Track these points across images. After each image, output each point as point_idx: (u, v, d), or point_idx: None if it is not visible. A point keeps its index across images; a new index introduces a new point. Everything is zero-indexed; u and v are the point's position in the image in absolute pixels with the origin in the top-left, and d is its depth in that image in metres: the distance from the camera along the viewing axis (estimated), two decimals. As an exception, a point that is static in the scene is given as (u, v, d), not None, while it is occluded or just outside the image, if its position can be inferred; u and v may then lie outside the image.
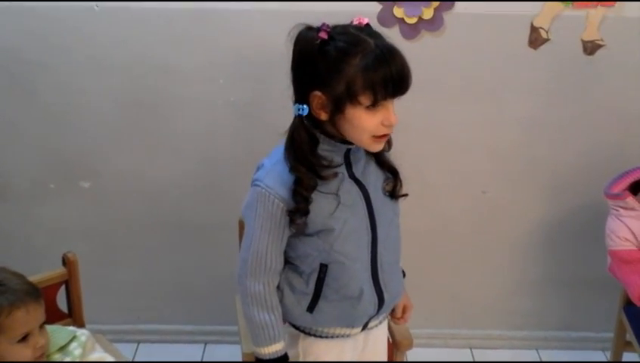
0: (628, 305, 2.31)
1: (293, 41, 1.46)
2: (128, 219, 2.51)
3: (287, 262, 1.61)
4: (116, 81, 2.29)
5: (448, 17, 2.20)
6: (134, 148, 2.40)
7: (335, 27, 1.45)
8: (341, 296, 1.59)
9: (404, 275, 1.80)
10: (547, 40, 2.24)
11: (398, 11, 2.18)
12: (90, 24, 2.21)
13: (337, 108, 1.43)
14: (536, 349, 2.71)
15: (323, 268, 1.56)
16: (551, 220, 2.53)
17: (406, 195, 1.66)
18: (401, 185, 1.64)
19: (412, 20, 2.19)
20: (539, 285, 2.64)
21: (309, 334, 1.66)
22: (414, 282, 2.52)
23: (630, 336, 2.31)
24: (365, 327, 1.69)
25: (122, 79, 2.29)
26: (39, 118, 2.34)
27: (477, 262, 2.60)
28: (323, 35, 1.41)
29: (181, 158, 2.41)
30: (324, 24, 1.44)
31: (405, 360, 2.00)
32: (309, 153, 1.48)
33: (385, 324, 1.82)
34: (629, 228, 2.01)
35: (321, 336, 1.66)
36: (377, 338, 1.79)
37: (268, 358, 1.59)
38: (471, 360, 2.67)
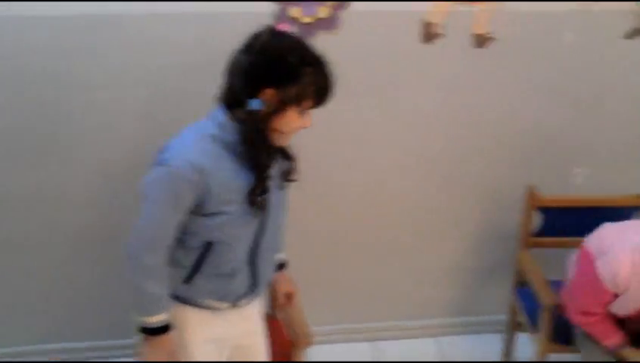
0: (520, 287, 2.41)
1: (250, 41, 1.58)
2: (21, 237, 2.38)
3: None
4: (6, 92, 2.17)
5: (344, 15, 2.20)
6: (25, 161, 2.27)
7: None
8: (217, 273, 1.70)
9: (285, 266, 1.95)
10: (440, 35, 2.29)
11: (294, 11, 2.17)
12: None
13: (282, 107, 1.57)
14: (434, 337, 2.77)
15: (207, 246, 1.66)
16: (446, 210, 2.58)
17: (295, 180, 1.78)
18: (294, 171, 1.76)
19: (309, 20, 2.21)
20: (436, 274, 2.69)
21: (182, 302, 1.74)
22: (313, 280, 2.54)
23: (521, 316, 2.41)
24: (235, 305, 1.78)
25: (12, 90, 2.17)
26: None
27: (374, 256, 2.62)
28: (287, 40, 1.58)
29: (75, 167, 2.30)
30: (286, 30, 1.57)
31: (305, 358, 2.01)
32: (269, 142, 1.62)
33: (257, 303, 1.89)
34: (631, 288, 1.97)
35: (192, 305, 1.75)
36: (250, 316, 1.88)
37: (155, 326, 1.67)
38: (371, 353, 2.70)
